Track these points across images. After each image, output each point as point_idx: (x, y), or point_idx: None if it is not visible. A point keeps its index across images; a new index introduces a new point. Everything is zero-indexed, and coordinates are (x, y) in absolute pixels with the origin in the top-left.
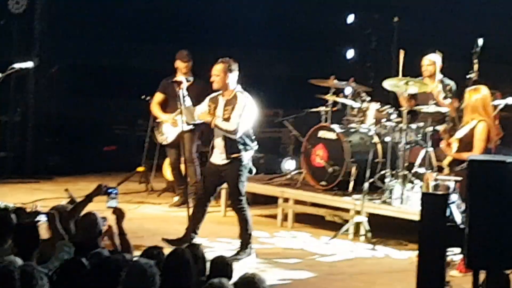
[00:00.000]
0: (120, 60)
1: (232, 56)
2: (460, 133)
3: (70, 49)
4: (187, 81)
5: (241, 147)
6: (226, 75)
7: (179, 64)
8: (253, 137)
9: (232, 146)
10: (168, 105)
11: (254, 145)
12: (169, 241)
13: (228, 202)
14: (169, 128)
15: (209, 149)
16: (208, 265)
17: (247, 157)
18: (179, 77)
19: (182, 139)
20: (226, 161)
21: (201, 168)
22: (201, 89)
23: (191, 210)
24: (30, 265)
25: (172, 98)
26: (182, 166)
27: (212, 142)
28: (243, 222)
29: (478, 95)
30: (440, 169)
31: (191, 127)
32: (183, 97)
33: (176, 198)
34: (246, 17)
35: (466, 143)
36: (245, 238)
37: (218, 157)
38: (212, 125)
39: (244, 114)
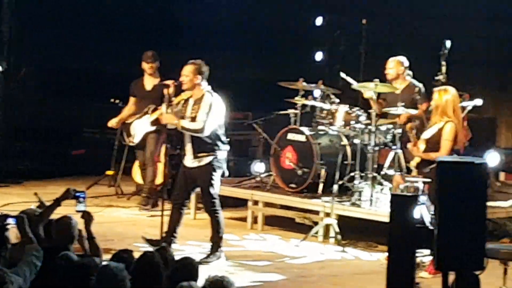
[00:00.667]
0: (89, 63)
1: (201, 59)
2: (428, 134)
3: (39, 52)
4: (175, 83)
5: (209, 147)
6: (195, 76)
7: (144, 65)
8: (224, 138)
9: (200, 146)
10: (138, 105)
11: (225, 147)
12: (148, 241)
13: (197, 205)
14: (136, 129)
15: (181, 152)
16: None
17: (218, 158)
18: (168, 81)
19: (147, 140)
20: (197, 164)
21: (173, 172)
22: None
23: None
24: (0, 269)
25: (143, 97)
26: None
27: (183, 145)
28: (216, 225)
29: (447, 95)
30: (408, 171)
31: (156, 128)
32: (169, 100)
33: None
34: (215, 20)
35: (434, 143)
36: (216, 241)
37: (189, 160)
38: (179, 127)
39: (211, 112)
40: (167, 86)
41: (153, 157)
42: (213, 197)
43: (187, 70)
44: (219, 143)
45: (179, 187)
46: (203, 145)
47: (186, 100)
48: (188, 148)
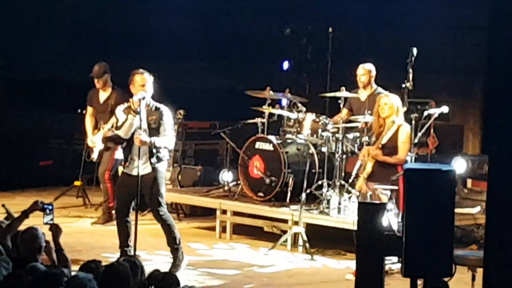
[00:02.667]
0: (55, 74)
1: (166, 69)
2: (385, 139)
3: (2, 63)
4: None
5: (160, 155)
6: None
7: (97, 80)
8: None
9: (152, 156)
10: (97, 117)
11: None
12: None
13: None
14: (95, 145)
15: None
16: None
17: (164, 166)
18: (140, 93)
19: (102, 157)
20: (148, 171)
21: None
22: (117, 99)
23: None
24: None
25: (97, 110)
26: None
27: (128, 154)
28: (168, 228)
29: (394, 101)
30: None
31: (105, 146)
32: (139, 113)
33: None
34: (181, 29)
35: (390, 148)
36: (174, 243)
37: (138, 167)
38: (152, 146)
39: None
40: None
41: (104, 175)
42: (161, 204)
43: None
44: (167, 153)
45: (120, 199)
46: (156, 155)
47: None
48: (144, 156)
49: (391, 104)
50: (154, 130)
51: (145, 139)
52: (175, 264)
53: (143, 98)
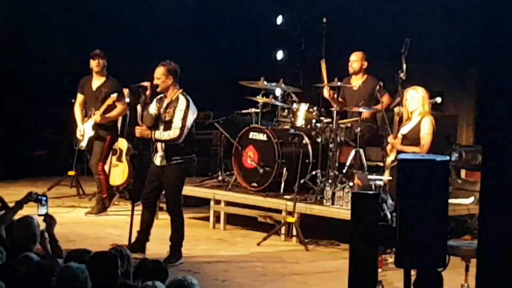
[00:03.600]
0: (49, 64)
1: (160, 59)
2: (406, 129)
3: None
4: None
5: (183, 151)
6: (168, 78)
7: (91, 62)
8: (195, 141)
9: (173, 150)
10: (86, 105)
11: (196, 149)
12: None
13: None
14: (84, 133)
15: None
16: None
17: (186, 162)
18: (146, 82)
19: (93, 146)
20: (166, 163)
21: (139, 171)
22: (111, 88)
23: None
24: None
25: (89, 98)
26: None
27: (153, 144)
28: (177, 226)
29: (421, 93)
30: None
31: (97, 134)
32: (146, 103)
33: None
34: (172, 19)
35: (412, 139)
36: (177, 242)
37: (159, 159)
38: (153, 139)
39: (186, 117)
40: (144, 88)
41: (97, 166)
42: (177, 197)
43: (159, 73)
44: (191, 147)
45: (148, 187)
46: (176, 150)
47: (161, 99)
48: (160, 151)
49: (418, 97)
50: (168, 122)
51: (143, 133)
52: (169, 260)
53: (143, 88)
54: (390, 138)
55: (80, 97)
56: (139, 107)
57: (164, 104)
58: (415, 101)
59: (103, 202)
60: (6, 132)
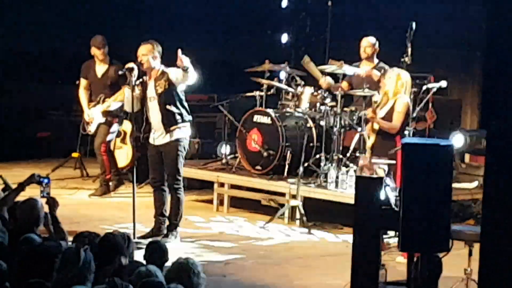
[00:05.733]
0: (54, 46)
1: (165, 42)
2: (382, 112)
3: (1, 34)
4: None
5: (178, 117)
6: (154, 55)
7: (95, 51)
8: (188, 108)
9: (169, 120)
10: (92, 90)
11: (189, 117)
12: (144, 237)
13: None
14: (92, 118)
15: (145, 132)
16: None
17: (185, 131)
18: (130, 64)
19: (98, 130)
20: (168, 139)
21: (141, 152)
22: (117, 73)
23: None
24: None
25: (94, 84)
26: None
27: (147, 125)
28: (177, 202)
29: (401, 80)
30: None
31: (105, 120)
32: (134, 85)
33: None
34: (180, 2)
35: (388, 120)
36: (175, 218)
37: (158, 137)
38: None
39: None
40: (131, 70)
41: (100, 147)
42: (179, 174)
43: (146, 49)
44: (185, 112)
45: (152, 169)
46: (172, 117)
47: (143, 82)
48: (158, 125)
49: (393, 79)
50: (162, 93)
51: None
52: (166, 237)
53: (130, 70)
54: (368, 112)
55: (84, 82)
56: (126, 90)
57: (151, 83)
58: (391, 82)
59: (107, 184)
60: (10, 113)
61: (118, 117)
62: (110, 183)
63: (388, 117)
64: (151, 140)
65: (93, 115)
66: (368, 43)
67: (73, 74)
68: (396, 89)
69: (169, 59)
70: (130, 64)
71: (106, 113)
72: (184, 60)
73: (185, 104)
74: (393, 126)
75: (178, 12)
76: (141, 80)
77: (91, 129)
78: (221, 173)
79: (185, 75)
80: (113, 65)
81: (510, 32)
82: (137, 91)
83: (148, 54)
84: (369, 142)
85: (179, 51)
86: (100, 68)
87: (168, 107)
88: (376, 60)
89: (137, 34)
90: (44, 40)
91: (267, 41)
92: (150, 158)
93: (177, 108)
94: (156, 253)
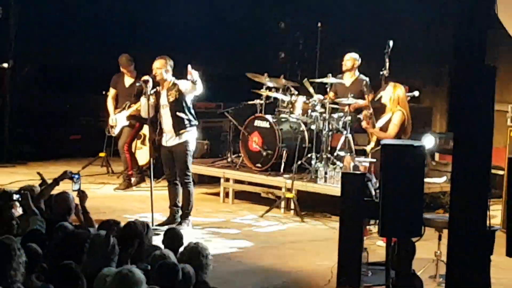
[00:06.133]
0: (84, 60)
1: (178, 57)
2: (381, 122)
3: (40, 51)
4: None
5: (186, 122)
6: (166, 69)
7: (124, 69)
8: (195, 115)
9: (179, 124)
10: (118, 99)
11: (196, 122)
12: (161, 224)
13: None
14: (117, 121)
15: (160, 136)
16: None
17: (193, 134)
18: (146, 77)
19: (122, 132)
20: (177, 141)
21: (156, 154)
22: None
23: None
24: (9, 237)
25: (120, 93)
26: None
27: (160, 128)
28: (188, 195)
29: (399, 90)
30: (356, 152)
31: (129, 123)
32: (149, 94)
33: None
34: (188, 21)
35: (385, 130)
36: (186, 208)
37: (169, 140)
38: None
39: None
40: (147, 82)
41: (123, 147)
42: (188, 169)
43: (160, 63)
44: (192, 118)
45: (166, 167)
46: (182, 122)
47: (156, 92)
48: (169, 128)
49: (389, 94)
50: (173, 102)
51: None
52: (180, 225)
53: (145, 82)
54: (363, 123)
55: (112, 92)
56: (142, 99)
57: (163, 92)
58: (387, 96)
59: (129, 179)
60: (47, 119)
61: (140, 120)
62: (132, 179)
63: (385, 127)
64: (163, 142)
65: (116, 120)
66: (349, 57)
67: (100, 86)
68: (391, 104)
69: (180, 72)
70: (146, 77)
71: (129, 117)
72: (193, 73)
73: (192, 111)
74: (387, 136)
75: (189, 31)
76: (155, 90)
77: (115, 131)
78: (226, 170)
79: (194, 87)
80: (140, 77)
81: (473, 50)
82: (152, 99)
83: (162, 67)
84: (369, 147)
85: (189, 66)
86: (128, 80)
87: (178, 113)
88: (357, 73)
89: (152, 51)
90: (76, 55)
91: (266, 57)
92: (163, 157)
93: (186, 114)
94: (173, 238)
